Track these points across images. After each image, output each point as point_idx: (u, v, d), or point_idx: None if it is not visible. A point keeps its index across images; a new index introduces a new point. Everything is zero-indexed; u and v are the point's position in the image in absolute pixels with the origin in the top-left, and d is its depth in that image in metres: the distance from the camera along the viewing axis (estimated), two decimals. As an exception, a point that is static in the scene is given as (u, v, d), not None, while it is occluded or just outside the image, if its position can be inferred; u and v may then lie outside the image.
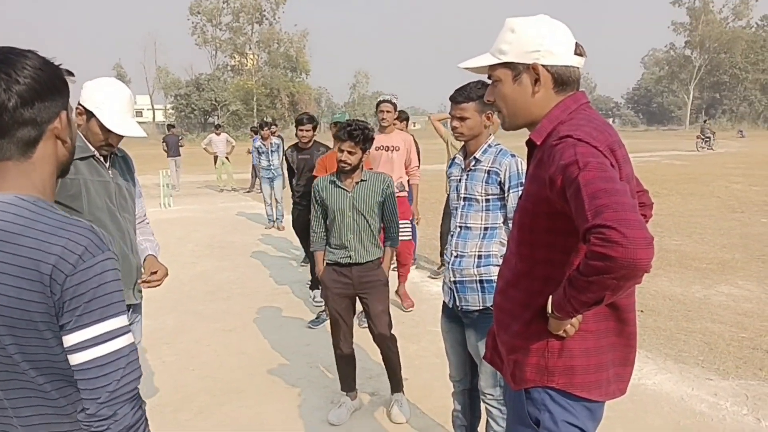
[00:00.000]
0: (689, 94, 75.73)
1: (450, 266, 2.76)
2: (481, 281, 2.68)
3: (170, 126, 17.53)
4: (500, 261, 2.59)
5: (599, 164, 1.39)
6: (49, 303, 1.11)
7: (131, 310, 2.62)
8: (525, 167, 2.55)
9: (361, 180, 3.44)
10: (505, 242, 2.70)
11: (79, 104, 2.44)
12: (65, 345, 1.13)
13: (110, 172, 2.57)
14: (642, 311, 5.44)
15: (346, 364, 3.67)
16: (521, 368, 1.67)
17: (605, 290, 1.34)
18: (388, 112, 5.55)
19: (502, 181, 2.68)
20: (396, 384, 3.64)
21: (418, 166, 5.92)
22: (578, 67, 1.64)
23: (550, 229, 1.55)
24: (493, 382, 2.70)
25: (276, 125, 15.86)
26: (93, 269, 1.13)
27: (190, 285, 6.65)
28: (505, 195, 2.67)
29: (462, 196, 2.76)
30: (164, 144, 16.18)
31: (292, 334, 4.97)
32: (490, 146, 2.76)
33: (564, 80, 1.62)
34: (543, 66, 1.60)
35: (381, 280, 3.50)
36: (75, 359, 1.13)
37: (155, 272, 2.64)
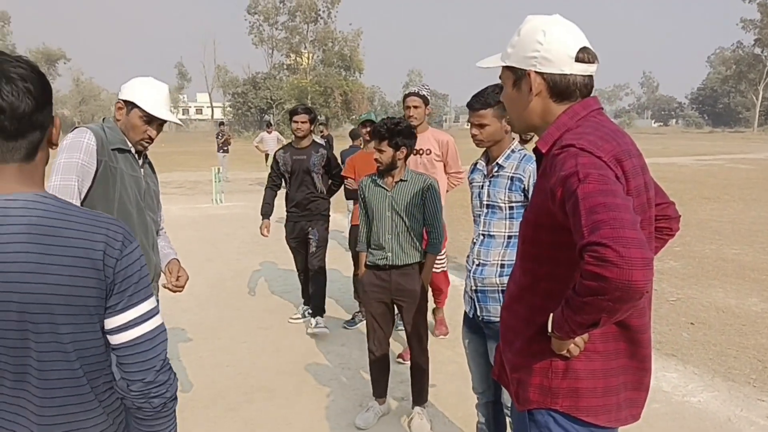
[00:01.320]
0: (758, 95, 72.12)
1: (471, 275, 2.68)
2: (503, 291, 2.59)
3: (221, 123, 18.28)
4: None
5: (600, 176, 1.30)
6: (101, 287, 1.21)
7: None
8: None
9: (401, 180, 3.38)
10: None
11: (119, 99, 2.55)
12: (114, 325, 1.24)
13: (142, 170, 2.65)
14: (692, 324, 5.18)
15: (379, 369, 3.62)
16: (525, 388, 1.59)
17: (600, 312, 1.26)
18: (416, 107, 4.50)
19: (526, 187, 2.59)
20: (418, 396, 3.56)
21: (460, 171, 4.77)
22: (583, 75, 1.52)
23: (553, 243, 1.47)
24: None
25: (326, 124, 16.02)
26: (134, 254, 1.26)
27: (232, 281, 6.76)
28: (529, 202, 2.57)
29: (485, 203, 2.68)
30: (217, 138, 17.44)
31: (328, 334, 4.97)
32: (513, 151, 2.67)
33: (560, 90, 1.52)
34: (538, 73, 1.51)
35: (418, 288, 3.42)
36: (126, 336, 1.25)
37: (179, 277, 2.70)
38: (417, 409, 3.53)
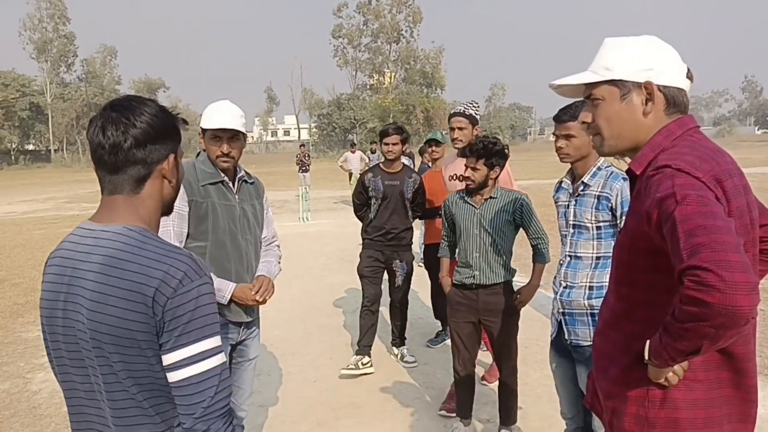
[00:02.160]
0: None
1: (558, 297, 2.61)
2: (592, 314, 2.51)
3: (302, 145, 19.19)
4: None
5: (699, 197, 1.24)
6: (151, 323, 1.21)
7: (243, 326, 2.75)
8: None
9: (491, 197, 3.36)
10: None
11: (200, 127, 2.68)
12: (165, 363, 1.23)
13: (237, 197, 2.73)
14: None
15: (463, 390, 3.59)
16: (619, 417, 1.53)
17: (702, 339, 1.20)
18: (461, 129, 4.10)
19: (614, 206, 2.49)
20: (506, 417, 3.50)
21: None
22: (687, 91, 1.50)
23: (650, 268, 1.41)
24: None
25: (408, 142, 16.16)
26: (191, 293, 1.23)
27: (319, 297, 6.92)
28: (618, 221, 2.48)
29: (571, 223, 2.61)
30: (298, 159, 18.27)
31: (413, 351, 4.97)
32: (599, 168, 2.59)
33: (677, 102, 1.49)
34: (656, 85, 1.48)
35: (508, 307, 3.36)
36: (173, 377, 1.23)
37: (258, 291, 2.67)
38: (504, 431, 3.46)
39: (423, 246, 5.81)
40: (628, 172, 1.53)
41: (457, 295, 3.47)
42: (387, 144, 4.58)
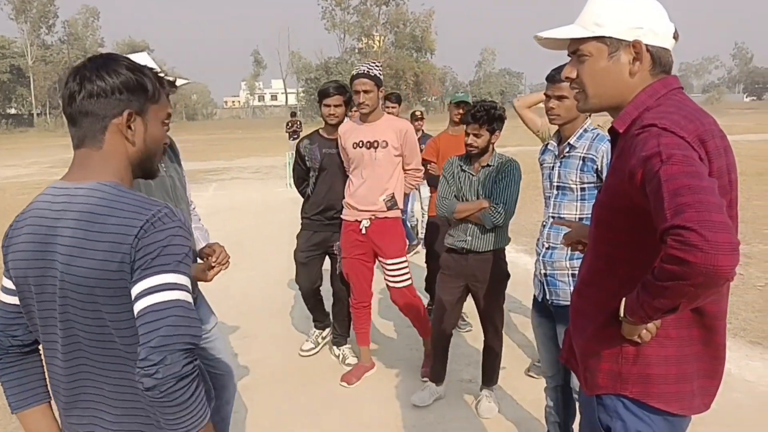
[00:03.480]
0: None
1: (541, 258, 2.64)
2: (573, 275, 2.54)
3: (293, 114, 18.91)
4: None
5: (684, 157, 1.25)
6: (128, 268, 1.23)
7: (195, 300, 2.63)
8: None
9: (488, 164, 3.33)
10: None
11: None
12: (133, 296, 1.22)
13: (162, 165, 2.49)
14: (782, 310, 4.88)
15: (439, 353, 3.64)
16: (593, 373, 1.56)
17: (681, 297, 1.22)
18: (367, 91, 3.62)
19: (599, 168, 2.50)
20: (488, 379, 3.56)
21: (420, 169, 3.97)
22: (671, 51, 1.50)
23: (630, 227, 1.42)
24: None
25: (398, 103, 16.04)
26: (164, 232, 1.25)
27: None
28: (602, 184, 2.49)
29: (555, 184, 2.62)
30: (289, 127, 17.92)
31: (398, 314, 5.01)
32: (586, 131, 2.59)
33: (663, 62, 1.48)
34: (645, 44, 1.46)
35: (497, 274, 3.39)
36: (138, 306, 1.21)
37: (215, 255, 2.42)
38: (485, 391, 3.53)
39: (426, 220, 5.39)
40: (611, 130, 1.52)
41: (448, 259, 3.49)
42: (328, 106, 3.91)
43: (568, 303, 2.50)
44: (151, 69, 1.41)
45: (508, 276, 3.47)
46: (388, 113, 5.07)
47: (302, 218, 4.19)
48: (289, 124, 18.34)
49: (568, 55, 1.60)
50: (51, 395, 1.46)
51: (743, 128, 26.80)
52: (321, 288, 4.29)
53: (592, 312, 1.56)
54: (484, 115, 3.19)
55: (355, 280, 3.94)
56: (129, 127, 1.34)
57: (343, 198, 3.88)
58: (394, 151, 3.72)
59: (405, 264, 3.86)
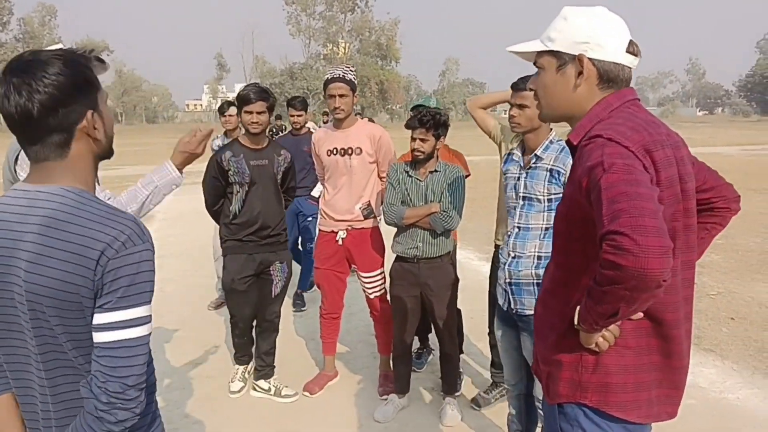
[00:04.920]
0: (811, 81, 69.13)
1: (506, 267, 2.64)
2: (538, 284, 2.55)
3: (278, 117, 17.94)
4: None
5: (626, 166, 1.29)
6: (91, 285, 1.19)
7: None
8: None
9: (435, 170, 3.35)
10: None
11: None
12: (98, 322, 1.20)
13: None
14: (732, 318, 5.05)
15: (401, 364, 3.63)
16: (555, 382, 1.58)
17: (619, 302, 1.26)
18: (342, 96, 3.52)
19: (566, 180, 2.53)
20: (449, 387, 3.57)
21: None
22: (630, 67, 1.52)
23: (585, 236, 1.45)
24: None
25: (361, 113, 16.02)
26: (133, 257, 1.21)
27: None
28: (562, 195, 2.53)
29: (521, 194, 2.63)
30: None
31: (364, 322, 5.00)
32: (552, 142, 2.63)
33: (611, 77, 1.51)
34: (590, 59, 1.50)
35: (448, 279, 3.41)
36: (107, 336, 1.20)
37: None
38: (448, 399, 3.54)
39: None
40: (568, 142, 1.56)
41: (398, 269, 3.48)
42: (249, 113, 3.50)
43: (533, 312, 2.56)
44: (80, 52, 1.31)
45: (458, 281, 3.51)
46: (293, 121, 5.06)
47: (227, 240, 3.68)
48: (274, 130, 17.53)
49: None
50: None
51: (699, 141, 27.71)
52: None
53: (554, 321, 1.59)
54: (430, 120, 3.22)
55: (328, 292, 3.89)
56: (94, 127, 1.29)
57: (281, 215, 3.73)
58: (369, 157, 3.65)
59: (381, 275, 3.80)
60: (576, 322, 1.44)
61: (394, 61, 68.29)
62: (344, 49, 66.98)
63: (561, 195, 2.52)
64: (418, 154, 3.29)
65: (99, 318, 1.20)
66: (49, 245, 1.19)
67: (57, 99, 1.21)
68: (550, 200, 2.57)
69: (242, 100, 3.52)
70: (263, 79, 66.97)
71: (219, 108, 4.84)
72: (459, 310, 3.76)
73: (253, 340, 3.90)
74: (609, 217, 1.23)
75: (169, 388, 3.94)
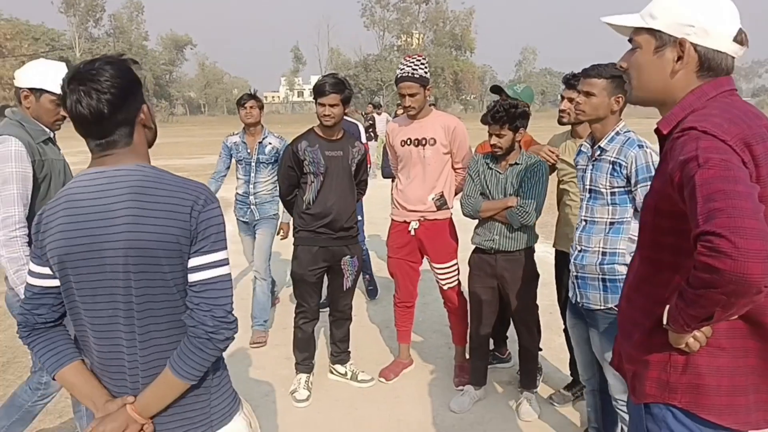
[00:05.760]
0: None
1: (573, 260, 2.61)
2: (603, 279, 2.52)
3: (377, 105, 17.55)
4: (627, 259, 2.43)
5: (722, 161, 1.22)
6: (187, 235, 1.44)
7: None
8: (655, 159, 2.33)
9: (516, 162, 3.29)
10: (635, 239, 2.50)
11: (23, 89, 2.62)
12: (198, 263, 1.45)
13: (60, 151, 2.79)
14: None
15: (477, 357, 3.62)
16: (641, 381, 1.54)
17: (714, 306, 1.20)
18: (412, 95, 3.52)
19: (629, 173, 2.47)
20: (528, 382, 3.53)
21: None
22: (733, 57, 1.44)
23: (675, 230, 1.40)
24: (622, 387, 2.51)
25: (435, 104, 15.82)
26: (214, 211, 1.48)
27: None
28: (633, 188, 2.46)
29: (587, 187, 2.60)
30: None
31: (438, 312, 5.01)
32: (618, 134, 2.55)
33: (712, 66, 1.43)
34: (692, 44, 1.42)
35: (527, 273, 3.36)
36: (207, 274, 1.46)
37: None
38: (525, 394, 3.51)
39: None
40: (657, 131, 1.50)
41: (476, 260, 3.47)
42: (322, 105, 3.49)
43: (599, 307, 2.54)
44: (118, 56, 1.51)
45: (537, 276, 3.44)
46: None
47: (299, 230, 3.68)
48: (369, 117, 16.04)
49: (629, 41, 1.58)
50: (81, 353, 1.57)
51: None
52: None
53: (639, 318, 1.54)
54: (504, 115, 3.14)
55: (401, 281, 3.93)
56: (148, 118, 1.55)
57: (353, 207, 3.72)
58: (443, 148, 3.63)
59: (455, 267, 3.77)
60: (665, 322, 1.39)
61: (468, 51, 67.51)
62: (418, 39, 66.77)
63: (623, 188, 2.48)
64: (497, 150, 3.24)
65: (198, 260, 1.45)
66: (146, 207, 1.41)
67: (121, 97, 1.43)
68: (613, 194, 2.51)
69: (316, 92, 3.53)
70: (338, 71, 67.85)
71: (238, 101, 4.63)
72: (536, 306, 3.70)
73: (314, 337, 3.88)
74: (704, 216, 1.17)
75: (244, 372, 4.09)
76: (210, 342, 1.43)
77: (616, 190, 2.49)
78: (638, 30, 1.50)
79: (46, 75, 2.60)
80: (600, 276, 2.52)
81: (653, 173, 2.35)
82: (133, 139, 1.49)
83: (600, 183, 2.52)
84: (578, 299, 2.60)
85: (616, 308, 2.40)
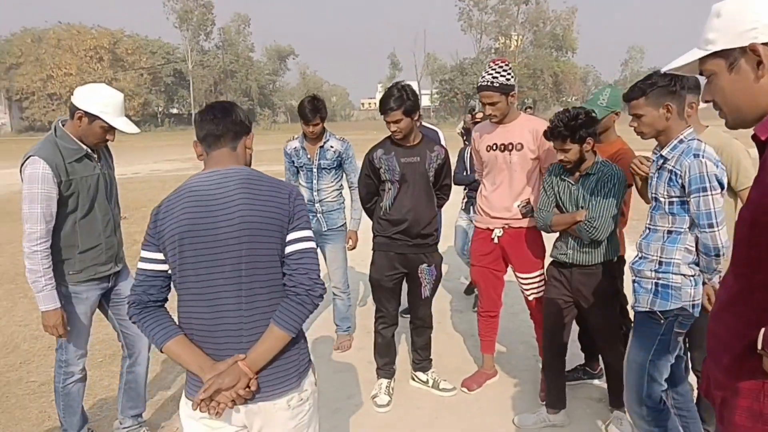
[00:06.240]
0: None
1: (631, 265, 2.64)
2: (656, 283, 2.53)
3: (472, 110, 17.80)
4: (683, 270, 2.46)
5: None
6: (287, 216, 1.86)
7: (118, 276, 3.12)
8: (711, 169, 2.32)
9: (588, 173, 3.10)
10: (692, 249, 2.47)
11: (80, 110, 2.77)
12: (295, 237, 1.86)
13: (99, 164, 2.96)
14: None
15: (551, 377, 3.42)
16: (731, 410, 1.39)
17: None
18: (493, 104, 3.44)
19: (684, 183, 2.41)
20: (616, 400, 3.30)
21: None
22: None
23: None
24: (636, 397, 2.59)
25: (532, 107, 15.51)
26: (301, 200, 1.93)
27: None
28: (688, 198, 2.41)
29: (652, 195, 2.58)
30: None
31: (527, 323, 4.84)
32: (682, 141, 2.49)
33: None
34: (764, 44, 1.30)
35: (603, 289, 3.16)
36: (301, 245, 1.87)
37: None
38: (616, 413, 3.30)
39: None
40: (754, 138, 1.36)
41: (552, 272, 3.33)
42: (388, 123, 3.46)
43: (646, 309, 2.57)
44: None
45: (617, 292, 3.23)
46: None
47: (377, 236, 3.70)
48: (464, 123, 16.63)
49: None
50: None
51: None
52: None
53: (729, 340, 1.40)
54: (563, 130, 2.98)
55: (484, 290, 3.85)
56: (250, 143, 2.05)
57: (432, 214, 3.63)
58: (531, 153, 3.50)
59: (540, 277, 3.62)
60: (760, 347, 1.25)
61: (570, 52, 65.34)
62: (517, 41, 65.46)
63: (679, 198, 2.46)
64: (566, 164, 3.10)
65: (295, 235, 1.86)
66: (256, 194, 1.84)
67: (237, 121, 1.99)
68: (671, 203, 2.50)
69: (380, 110, 3.51)
70: (433, 76, 67.90)
71: (300, 111, 4.33)
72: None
73: (394, 343, 3.88)
74: None
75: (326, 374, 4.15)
76: (308, 298, 1.81)
77: (674, 199, 2.47)
78: (704, 60, 1.42)
79: (106, 106, 2.80)
80: (654, 281, 2.55)
81: (707, 184, 2.34)
82: (237, 148, 1.98)
83: (659, 191, 2.52)
84: (633, 302, 2.65)
85: (660, 314, 2.50)
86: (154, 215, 1.86)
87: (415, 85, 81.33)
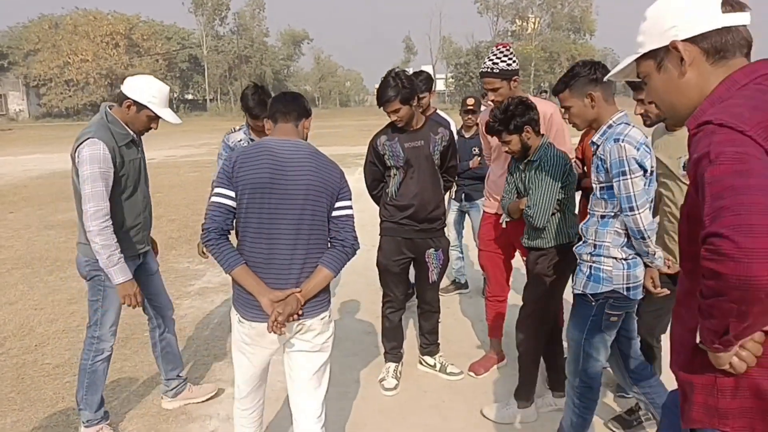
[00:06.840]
0: None
1: (574, 249, 2.72)
2: (591, 266, 2.58)
3: (483, 95, 17.62)
4: (612, 252, 2.52)
5: (736, 155, 1.09)
6: (338, 186, 2.42)
7: (147, 253, 3.30)
8: (630, 153, 2.36)
9: (530, 160, 3.14)
10: (621, 233, 2.47)
11: (128, 97, 2.96)
12: (342, 204, 2.43)
13: (140, 149, 3.18)
14: None
15: (526, 367, 3.36)
16: (689, 405, 1.39)
17: (726, 317, 1.08)
18: (494, 90, 3.45)
19: (608, 168, 2.44)
20: (518, 390, 3.35)
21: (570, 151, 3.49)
22: (737, 26, 1.29)
23: None
24: (573, 369, 2.71)
25: (546, 92, 15.32)
26: (346, 179, 2.49)
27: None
28: (612, 184, 2.45)
29: (592, 181, 2.64)
30: None
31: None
32: (610, 126, 2.54)
33: (717, 48, 1.30)
34: (684, 41, 1.31)
35: (541, 272, 3.16)
36: (346, 212, 2.44)
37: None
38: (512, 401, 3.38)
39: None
40: (689, 130, 1.36)
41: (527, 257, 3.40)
42: (388, 113, 3.47)
43: (579, 292, 2.63)
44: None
45: (562, 277, 3.20)
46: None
47: (384, 221, 3.72)
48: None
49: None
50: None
51: None
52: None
53: (683, 337, 1.40)
54: (497, 125, 3.06)
55: (492, 275, 3.86)
56: (305, 125, 2.51)
57: (439, 197, 3.65)
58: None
59: None
60: (698, 340, 1.26)
61: (588, 34, 64.42)
62: (534, 24, 64.62)
63: (605, 184, 2.50)
64: (512, 154, 3.19)
65: (342, 203, 2.42)
66: (320, 167, 2.37)
67: (305, 108, 2.51)
68: (602, 188, 2.55)
69: (377, 101, 3.50)
70: (449, 60, 67.38)
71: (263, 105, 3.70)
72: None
73: (402, 327, 3.89)
74: (711, 216, 1.06)
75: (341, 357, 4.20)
76: (351, 249, 2.42)
77: (603, 184, 2.51)
78: (639, 62, 1.46)
79: (154, 97, 3.00)
80: (589, 263, 2.61)
81: (626, 168, 2.37)
82: (299, 126, 2.46)
83: (593, 178, 2.57)
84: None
85: (591, 296, 2.58)
86: (232, 161, 2.31)
87: (430, 69, 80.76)
